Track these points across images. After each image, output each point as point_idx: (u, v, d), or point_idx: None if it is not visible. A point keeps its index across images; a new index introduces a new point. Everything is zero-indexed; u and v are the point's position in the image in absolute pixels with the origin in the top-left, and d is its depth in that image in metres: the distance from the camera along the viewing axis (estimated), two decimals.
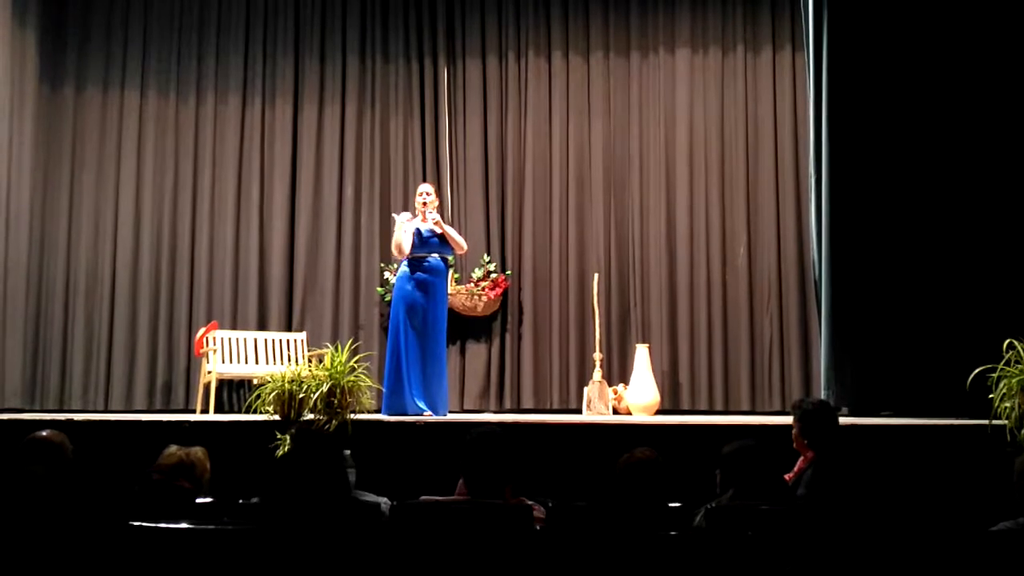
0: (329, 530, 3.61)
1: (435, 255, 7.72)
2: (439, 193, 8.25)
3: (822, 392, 7.76)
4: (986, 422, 5.78)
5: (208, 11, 10.02)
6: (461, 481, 4.10)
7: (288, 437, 5.99)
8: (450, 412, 7.94)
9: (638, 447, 4.11)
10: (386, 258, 9.62)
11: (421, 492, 4.15)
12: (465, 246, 8.07)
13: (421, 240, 7.70)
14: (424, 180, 9.59)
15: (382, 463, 6.09)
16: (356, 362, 6.59)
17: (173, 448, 4.61)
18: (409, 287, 7.69)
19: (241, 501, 4.14)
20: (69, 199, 9.74)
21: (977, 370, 5.89)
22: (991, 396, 5.78)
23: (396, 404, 7.44)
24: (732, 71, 9.54)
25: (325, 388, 6.38)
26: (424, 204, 7.75)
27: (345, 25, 10.00)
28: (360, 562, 3.65)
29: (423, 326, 7.60)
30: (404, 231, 7.70)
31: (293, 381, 6.50)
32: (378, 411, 7.44)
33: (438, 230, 7.73)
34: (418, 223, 7.75)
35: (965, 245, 7.37)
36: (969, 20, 7.50)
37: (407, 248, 7.68)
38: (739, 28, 9.55)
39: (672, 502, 4.18)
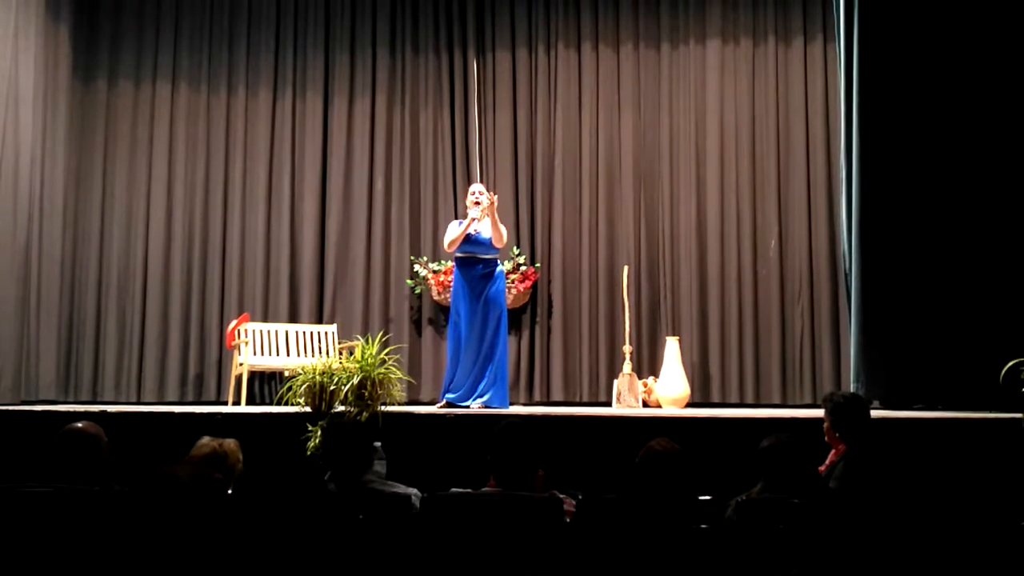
0: (346, 518, 3.64)
1: (473, 254, 7.77)
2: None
3: (851, 385, 7.72)
4: (1019, 415, 5.74)
5: (239, 4, 10.07)
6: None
7: (319, 429, 6.03)
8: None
9: (656, 438, 4.09)
10: (416, 251, 9.65)
11: (451, 484, 4.17)
12: (505, 238, 7.97)
13: (467, 240, 7.78)
14: (454, 173, 9.71)
15: (413, 455, 6.12)
16: (387, 354, 6.62)
17: (206, 439, 4.68)
18: (455, 285, 7.90)
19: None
20: (102, 192, 9.83)
21: (1011, 363, 5.85)
22: None
23: (455, 396, 7.65)
24: (763, 62, 9.50)
25: (356, 380, 6.40)
26: (477, 203, 7.79)
27: (375, 17, 10.03)
28: (391, 552, 3.67)
29: (458, 322, 7.76)
30: (460, 224, 7.86)
31: (324, 373, 6.52)
32: (408, 404, 7.46)
33: (482, 230, 7.77)
34: (473, 219, 7.79)
35: (998, 236, 7.31)
36: (1003, 9, 7.42)
37: (447, 243, 7.88)
38: (770, 19, 9.51)
39: (702, 495, 4.17)
